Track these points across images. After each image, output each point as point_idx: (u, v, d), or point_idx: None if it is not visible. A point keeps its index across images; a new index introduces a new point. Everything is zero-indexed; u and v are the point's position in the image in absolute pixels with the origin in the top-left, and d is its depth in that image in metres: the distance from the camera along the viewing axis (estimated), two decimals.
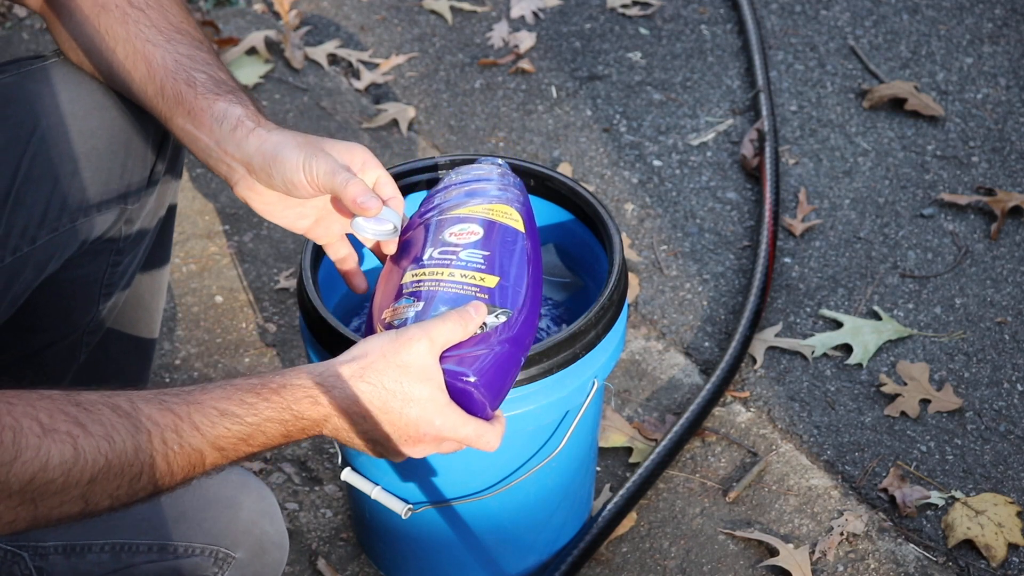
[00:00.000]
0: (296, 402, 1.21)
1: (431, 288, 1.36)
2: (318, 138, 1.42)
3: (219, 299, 2.34)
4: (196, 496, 1.31)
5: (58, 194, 1.49)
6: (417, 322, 1.31)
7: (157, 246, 1.73)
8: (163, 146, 1.58)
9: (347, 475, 1.71)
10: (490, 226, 1.42)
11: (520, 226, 1.44)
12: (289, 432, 1.22)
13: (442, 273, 1.37)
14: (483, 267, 1.37)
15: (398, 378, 1.25)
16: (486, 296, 1.35)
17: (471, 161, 1.78)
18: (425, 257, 1.40)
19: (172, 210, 1.72)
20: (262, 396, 1.19)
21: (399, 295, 1.38)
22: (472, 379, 1.29)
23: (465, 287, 1.35)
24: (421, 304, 1.34)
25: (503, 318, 1.33)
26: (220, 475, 1.33)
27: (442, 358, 1.29)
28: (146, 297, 1.79)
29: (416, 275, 1.38)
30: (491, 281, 1.36)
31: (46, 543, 1.28)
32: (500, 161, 1.55)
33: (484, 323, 1.32)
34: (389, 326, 1.35)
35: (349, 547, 1.94)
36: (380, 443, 1.28)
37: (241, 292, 2.35)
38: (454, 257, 1.38)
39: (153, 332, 1.85)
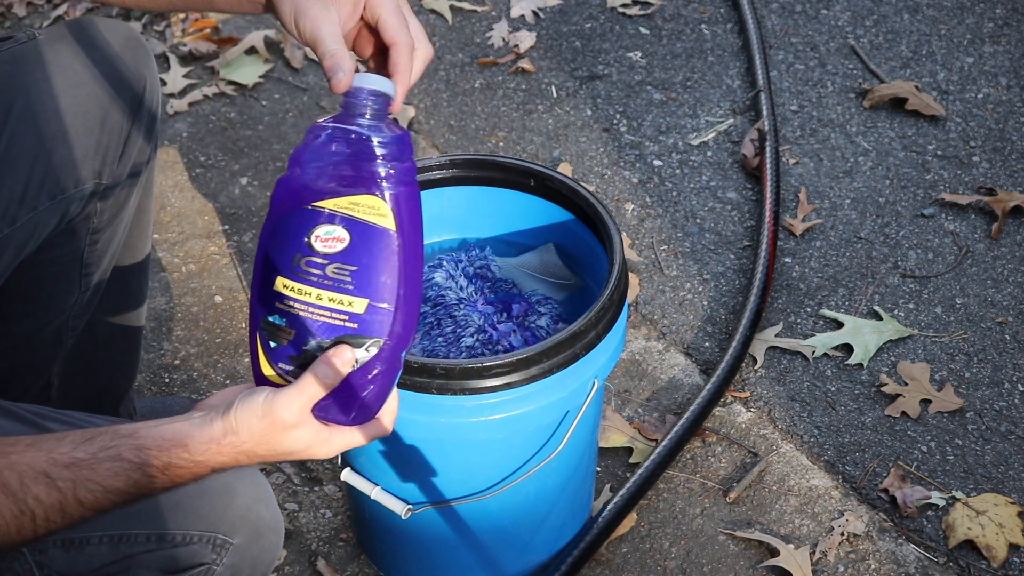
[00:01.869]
0: (180, 478, 1.22)
1: (300, 312, 1.33)
2: None
3: (219, 299, 2.33)
4: (192, 485, 1.31)
5: (36, 173, 1.50)
6: (284, 384, 1.30)
7: (136, 225, 1.73)
8: (137, 117, 1.59)
9: (347, 475, 1.71)
10: (355, 229, 1.33)
11: (389, 222, 1.33)
12: (169, 491, 1.25)
13: (310, 294, 1.34)
14: (351, 288, 1.33)
15: (272, 448, 1.26)
16: (355, 325, 1.31)
17: (471, 161, 1.78)
18: (294, 264, 1.36)
19: (149, 186, 1.72)
20: (148, 475, 1.21)
21: (273, 304, 1.36)
22: (346, 420, 1.30)
23: (333, 315, 1.32)
24: (292, 333, 1.33)
25: (373, 350, 1.30)
26: None
27: (315, 407, 1.29)
28: (130, 280, 1.79)
29: (287, 287, 1.35)
30: (359, 305, 1.33)
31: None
32: (374, 85, 1.32)
33: (356, 359, 1.30)
34: (266, 343, 1.34)
35: (349, 547, 1.94)
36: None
37: (241, 292, 2.34)
38: (321, 273, 1.34)
39: (140, 317, 1.85)
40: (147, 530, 1.31)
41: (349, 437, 1.29)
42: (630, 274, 2.32)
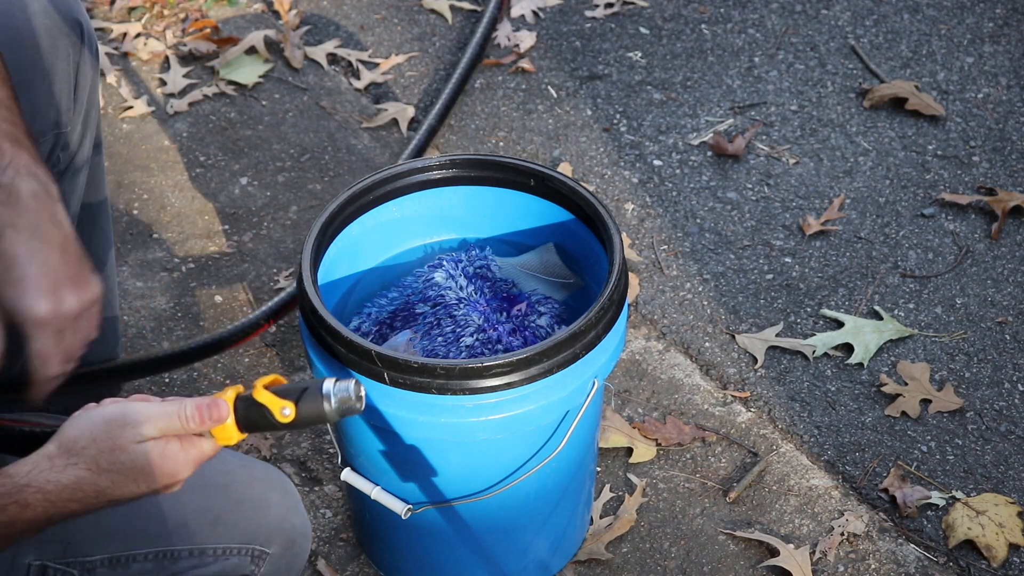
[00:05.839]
0: (24, 510, 1.16)
1: None
2: None
3: (219, 299, 2.33)
4: (228, 498, 1.35)
5: None
6: None
7: (92, 179, 1.72)
8: (80, 64, 1.59)
9: (347, 475, 1.71)
10: None
11: None
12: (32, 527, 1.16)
13: None
14: None
15: (115, 458, 1.18)
16: None
17: (471, 161, 1.79)
18: None
19: (99, 135, 1.71)
20: None
21: None
22: None
23: None
24: None
25: None
26: (247, 473, 1.38)
27: None
28: (95, 249, 1.77)
29: None
30: None
31: (92, 557, 1.32)
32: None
33: None
34: None
35: (349, 547, 1.94)
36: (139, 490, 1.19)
37: (240, 292, 2.34)
38: None
39: (111, 287, 1.85)
40: (189, 545, 1.34)
41: (201, 447, 1.20)
42: (630, 274, 2.32)
